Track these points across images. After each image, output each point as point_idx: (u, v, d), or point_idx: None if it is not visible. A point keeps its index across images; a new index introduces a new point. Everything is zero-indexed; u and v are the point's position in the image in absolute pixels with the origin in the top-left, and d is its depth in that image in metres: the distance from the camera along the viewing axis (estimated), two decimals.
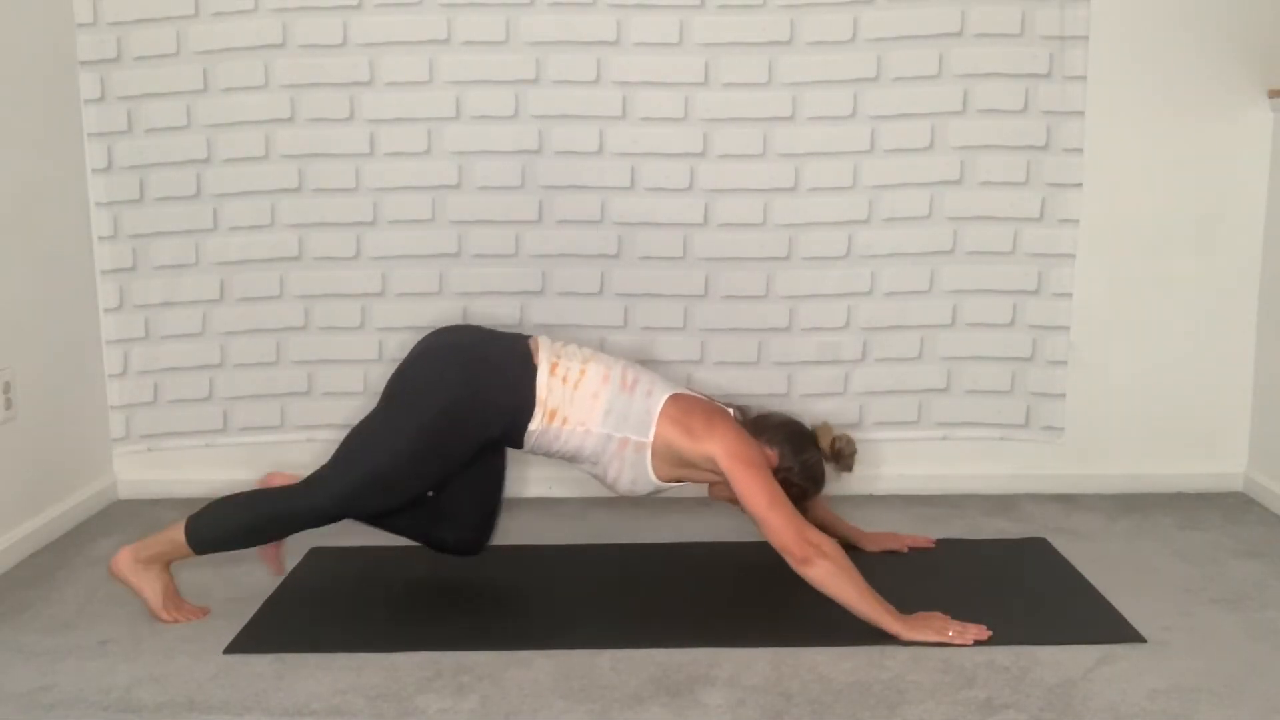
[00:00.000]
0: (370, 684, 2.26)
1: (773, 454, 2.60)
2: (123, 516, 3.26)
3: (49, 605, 2.65)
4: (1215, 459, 3.41)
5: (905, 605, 2.45)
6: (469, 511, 2.71)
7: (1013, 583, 2.76)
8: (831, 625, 2.48)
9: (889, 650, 2.37)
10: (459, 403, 2.51)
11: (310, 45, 3.20)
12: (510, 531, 2.87)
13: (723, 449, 2.48)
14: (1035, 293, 3.31)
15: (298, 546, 3.01)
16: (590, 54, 3.19)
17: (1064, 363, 3.34)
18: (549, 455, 2.61)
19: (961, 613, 2.48)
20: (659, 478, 2.57)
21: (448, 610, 2.62)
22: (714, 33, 3.18)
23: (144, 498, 3.39)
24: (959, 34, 3.18)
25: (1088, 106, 3.22)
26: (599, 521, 3.21)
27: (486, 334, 2.68)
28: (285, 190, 3.28)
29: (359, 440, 2.55)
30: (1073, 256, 3.29)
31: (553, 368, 2.55)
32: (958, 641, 2.40)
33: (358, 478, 2.50)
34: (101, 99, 3.23)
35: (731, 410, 2.66)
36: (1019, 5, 3.16)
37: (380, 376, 3.34)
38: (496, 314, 3.32)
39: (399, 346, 3.35)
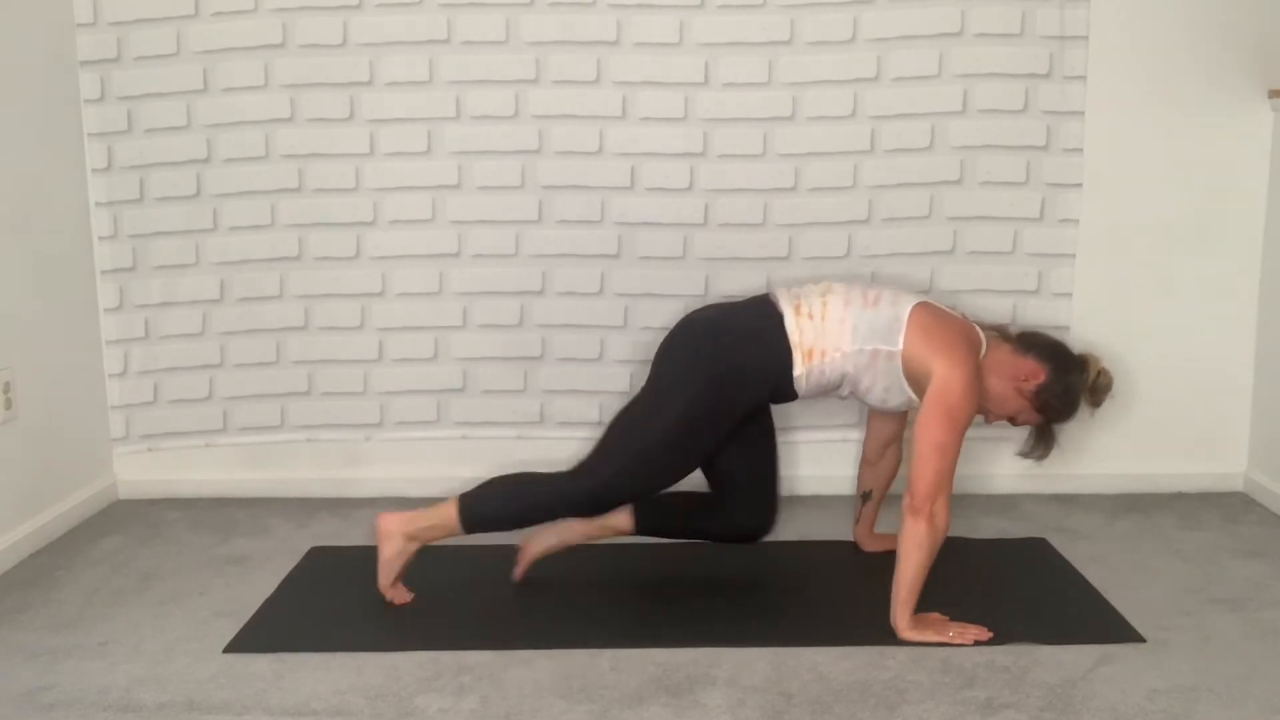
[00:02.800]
0: (370, 684, 2.26)
1: (1039, 369, 2.57)
2: (123, 516, 3.26)
3: (49, 605, 2.65)
4: (1215, 459, 3.41)
5: None
6: (751, 490, 2.70)
7: (1013, 583, 2.76)
8: (831, 625, 2.49)
9: (889, 650, 2.37)
10: (721, 371, 2.54)
11: (310, 45, 3.20)
12: (510, 531, 2.86)
13: (943, 377, 2.46)
14: (1035, 293, 3.31)
15: (297, 547, 3.01)
16: (590, 54, 3.19)
17: None
18: (826, 394, 2.63)
19: (961, 613, 2.48)
20: (913, 389, 2.55)
21: (448, 610, 2.62)
22: (714, 33, 3.18)
23: (144, 498, 3.39)
24: (959, 34, 3.18)
25: (1088, 106, 3.22)
26: None
27: (730, 304, 2.73)
28: (285, 190, 3.28)
29: (624, 424, 2.58)
30: (1073, 256, 3.29)
31: (796, 309, 2.58)
32: (958, 641, 2.40)
33: (626, 460, 2.53)
34: (101, 99, 3.23)
35: (983, 334, 2.63)
36: (1019, 5, 3.16)
37: (380, 376, 3.37)
38: (497, 314, 3.32)
39: (399, 346, 3.36)
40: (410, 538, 2.59)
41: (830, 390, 2.63)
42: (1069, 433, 3.34)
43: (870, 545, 2.92)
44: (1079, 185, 3.25)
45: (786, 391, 2.59)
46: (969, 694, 2.21)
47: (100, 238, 3.29)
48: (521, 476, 2.63)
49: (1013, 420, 2.67)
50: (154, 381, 3.38)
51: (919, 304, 2.57)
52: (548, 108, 3.22)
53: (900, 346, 2.52)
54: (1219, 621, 2.53)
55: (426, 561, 2.82)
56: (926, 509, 2.40)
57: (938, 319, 2.56)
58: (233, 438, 3.42)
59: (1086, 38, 3.18)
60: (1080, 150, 3.23)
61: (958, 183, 3.26)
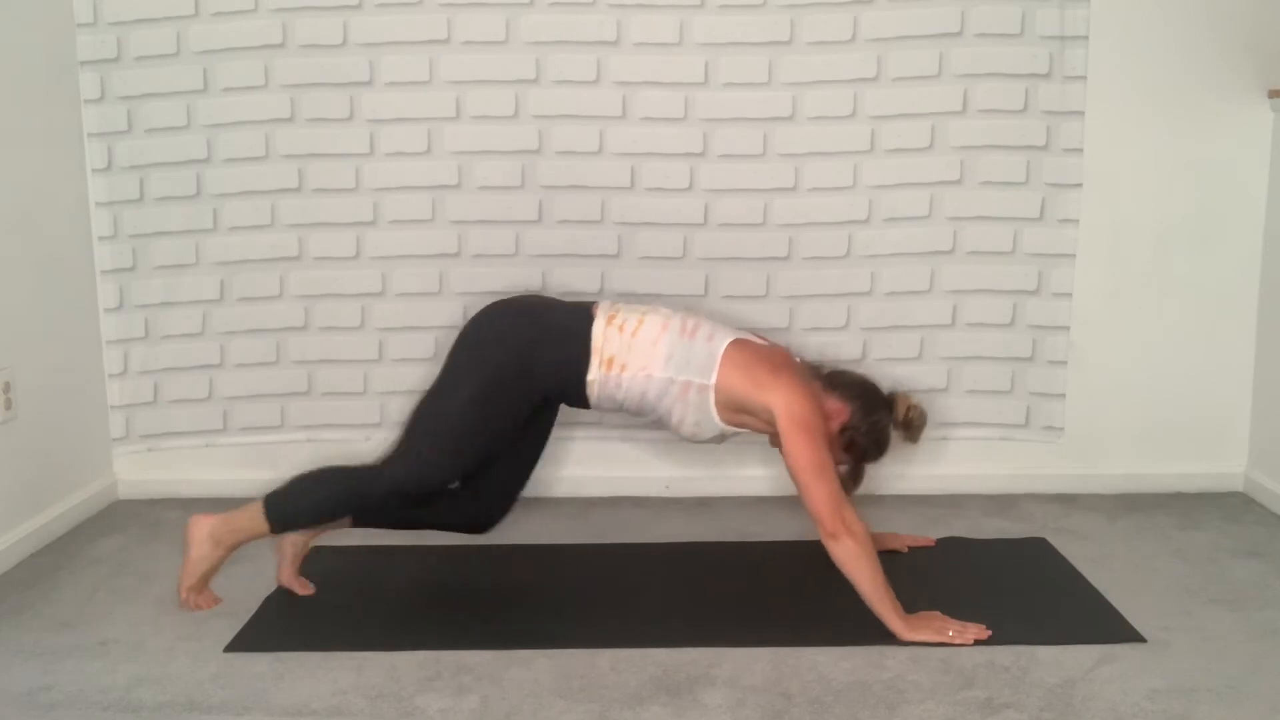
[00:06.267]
0: (370, 684, 2.26)
1: (843, 409, 2.59)
2: (123, 516, 3.26)
3: (49, 605, 2.65)
4: (1215, 459, 3.41)
5: (905, 605, 2.45)
6: (494, 485, 2.69)
7: (1013, 583, 2.76)
8: (831, 625, 2.48)
9: (889, 650, 2.37)
10: (515, 356, 2.54)
11: (310, 45, 3.20)
12: (511, 531, 2.87)
13: (783, 404, 2.48)
14: (1035, 293, 3.31)
15: None
16: (590, 54, 3.19)
17: (1064, 363, 3.34)
18: (619, 409, 2.63)
19: (961, 613, 2.48)
20: (723, 421, 2.56)
21: (448, 610, 2.62)
22: (714, 33, 3.18)
23: (144, 498, 3.39)
24: (959, 34, 3.18)
25: (1088, 106, 3.22)
26: (599, 521, 3.21)
27: (547, 300, 2.72)
28: (285, 190, 3.28)
29: (422, 409, 2.58)
30: (1073, 256, 3.29)
31: (609, 319, 2.58)
32: (958, 641, 2.40)
33: (425, 444, 2.52)
34: (101, 99, 3.23)
35: (799, 361, 2.65)
36: (1019, 5, 3.16)
37: (380, 376, 3.37)
38: None
39: (399, 346, 3.36)
40: (217, 541, 2.58)
41: (629, 410, 2.62)
42: (1070, 432, 3.37)
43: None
44: (1079, 185, 3.25)
45: (578, 395, 2.59)
46: (969, 694, 2.21)
47: (100, 238, 3.29)
48: (324, 471, 2.60)
49: None
50: (154, 381, 3.38)
51: (734, 340, 2.58)
52: (548, 108, 3.22)
53: (714, 380, 2.53)
54: (1219, 621, 2.53)
55: (426, 561, 2.82)
56: (840, 527, 2.41)
57: (753, 354, 2.56)
58: (233, 438, 3.42)
59: (1086, 38, 3.18)
60: (1080, 150, 3.23)
61: (958, 183, 3.26)
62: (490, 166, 3.26)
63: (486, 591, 2.72)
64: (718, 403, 2.54)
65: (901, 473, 3.37)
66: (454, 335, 3.31)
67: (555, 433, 3.36)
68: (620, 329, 2.56)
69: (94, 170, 3.27)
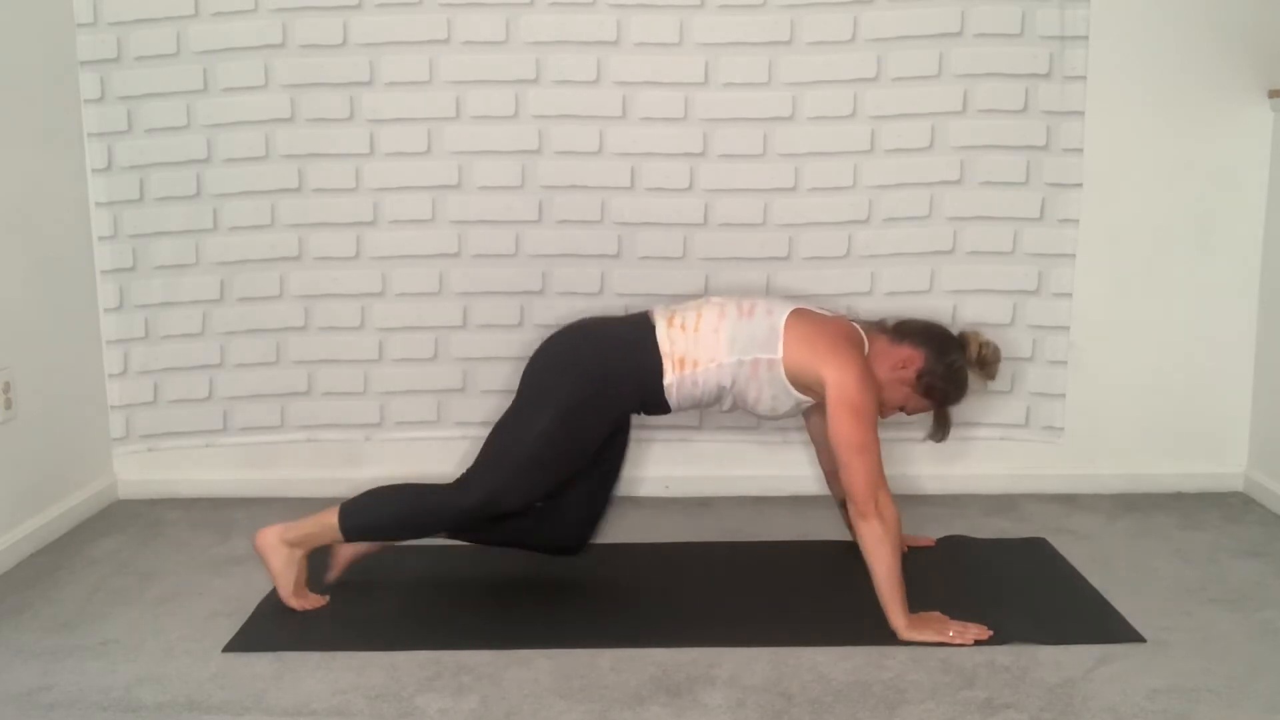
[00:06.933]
0: (370, 684, 2.26)
1: (916, 356, 2.60)
2: (123, 516, 3.26)
3: (49, 605, 2.65)
4: (1215, 459, 3.41)
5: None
6: (578, 509, 2.70)
7: (1013, 583, 2.76)
8: (831, 625, 2.49)
9: (889, 650, 2.37)
10: (591, 377, 2.56)
11: (310, 45, 3.20)
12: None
13: (836, 381, 2.48)
14: (1035, 293, 3.31)
15: None
16: (590, 54, 3.19)
17: (1064, 363, 3.34)
18: (700, 406, 2.64)
19: (961, 613, 2.48)
20: (800, 392, 2.57)
21: (448, 610, 2.62)
22: (714, 33, 3.18)
23: (144, 498, 3.39)
24: (959, 34, 3.18)
25: (1088, 106, 3.21)
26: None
27: (605, 317, 2.76)
28: (285, 190, 3.28)
29: (500, 434, 2.59)
30: (1073, 256, 3.29)
31: (669, 320, 2.61)
32: (958, 641, 2.40)
33: (504, 470, 2.53)
34: (101, 99, 3.23)
35: (860, 327, 2.65)
36: (1019, 5, 3.16)
37: (380, 376, 3.37)
38: (497, 314, 3.32)
39: (399, 346, 3.35)
40: (293, 545, 2.58)
41: (707, 403, 2.64)
42: (1070, 432, 3.37)
43: None
44: (1079, 185, 3.25)
45: (658, 402, 2.60)
46: (969, 694, 2.21)
47: (100, 238, 3.29)
48: (404, 487, 2.63)
49: (905, 410, 2.69)
50: (154, 381, 3.38)
51: (794, 310, 2.60)
52: (548, 108, 3.22)
53: (780, 354, 2.54)
54: (1219, 621, 2.53)
55: (426, 561, 2.82)
56: (871, 508, 2.42)
57: (814, 324, 2.58)
58: (233, 438, 3.42)
59: (1086, 38, 3.18)
60: (1080, 150, 3.23)
61: (958, 183, 3.26)
62: (490, 166, 3.26)
63: (486, 591, 2.72)
64: (790, 375, 2.55)
65: (903, 473, 3.38)
66: (454, 335, 3.34)
67: None
68: (682, 328, 2.58)
69: (94, 170, 3.26)
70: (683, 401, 2.61)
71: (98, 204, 3.28)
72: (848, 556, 2.91)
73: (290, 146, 3.25)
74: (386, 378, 3.38)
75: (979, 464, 3.41)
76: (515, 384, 3.34)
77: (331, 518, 2.56)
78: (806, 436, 3.36)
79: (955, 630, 2.42)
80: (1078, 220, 3.27)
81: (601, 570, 2.85)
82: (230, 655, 2.39)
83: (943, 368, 2.61)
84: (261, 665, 2.34)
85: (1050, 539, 3.03)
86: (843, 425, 2.46)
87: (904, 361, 2.61)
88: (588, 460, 2.61)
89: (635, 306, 3.30)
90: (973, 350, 2.65)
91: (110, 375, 3.37)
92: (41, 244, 3.08)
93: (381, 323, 3.35)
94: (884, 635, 2.42)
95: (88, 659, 2.38)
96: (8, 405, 2.92)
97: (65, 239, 3.20)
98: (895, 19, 3.17)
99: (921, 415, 2.76)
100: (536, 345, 3.33)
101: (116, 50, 3.21)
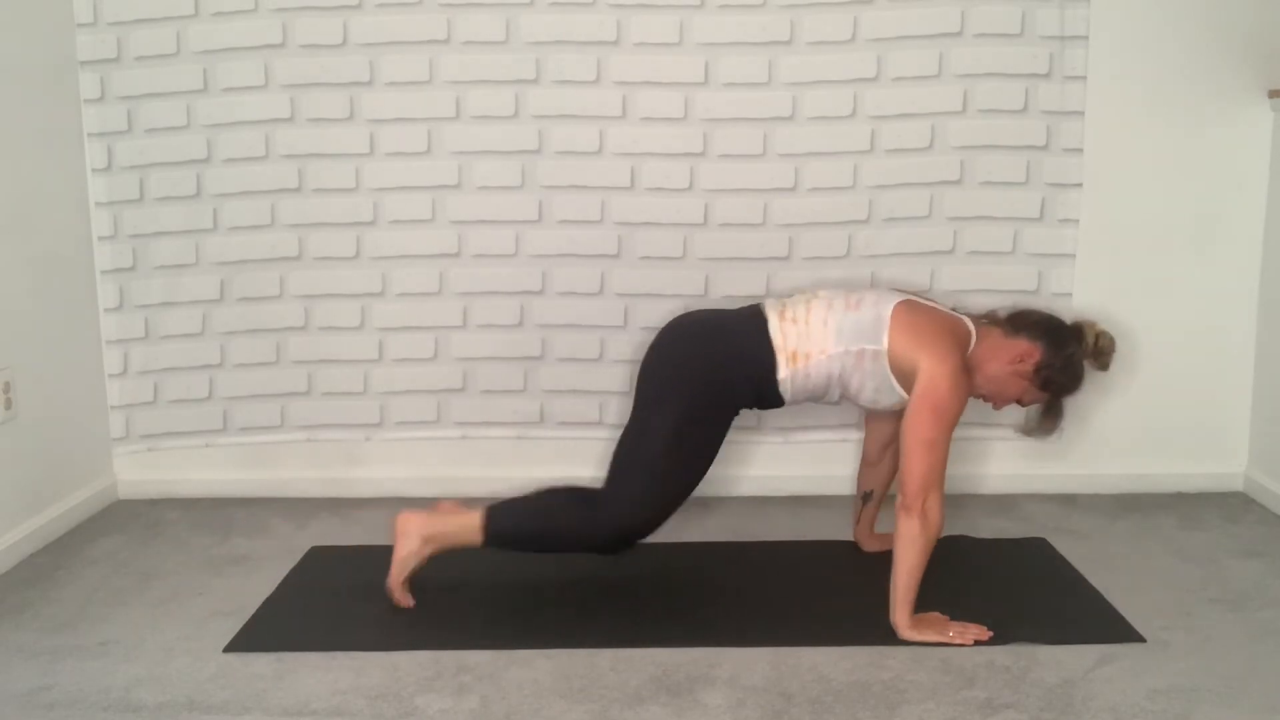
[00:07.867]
0: (370, 684, 2.26)
1: (1033, 349, 2.56)
2: (123, 516, 3.26)
3: (49, 605, 2.65)
4: (1215, 459, 3.41)
5: None
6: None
7: (1013, 583, 2.76)
8: (831, 625, 2.48)
9: (889, 650, 2.37)
10: (708, 377, 2.56)
11: (310, 45, 3.20)
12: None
13: (928, 375, 2.46)
14: (1035, 293, 3.31)
15: (297, 547, 3.01)
16: (590, 54, 3.19)
17: None
18: (815, 399, 2.64)
19: (961, 613, 2.48)
20: (903, 387, 2.54)
21: (448, 610, 2.62)
22: (714, 33, 3.18)
23: (144, 498, 3.39)
24: (959, 34, 3.18)
25: (1088, 106, 3.21)
26: None
27: (716, 310, 2.74)
28: (285, 190, 3.28)
29: (625, 448, 2.57)
30: (1073, 256, 3.29)
31: (781, 315, 2.60)
32: (958, 641, 2.40)
33: (639, 484, 2.52)
34: (101, 99, 3.23)
35: (971, 321, 2.62)
36: (1019, 5, 3.16)
37: (380, 376, 3.37)
38: (497, 314, 3.32)
39: (399, 346, 3.35)
40: (427, 540, 2.58)
41: (818, 395, 2.63)
42: (1070, 432, 3.36)
43: (870, 545, 2.92)
44: (1079, 185, 3.25)
45: (773, 396, 2.60)
46: (969, 694, 2.21)
47: (100, 238, 3.29)
48: (552, 504, 2.60)
49: (1020, 402, 2.66)
50: (154, 381, 3.38)
51: (902, 302, 2.58)
52: (548, 108, 3.22)
53: (885, 345, 2.52)
54: (1219, 621, 2.53)
55: (426, 561, 2.82)
56: (918, 506, 2.40)
57: (922, 315, 2.56)
58: (233, 438, 3.42)
59: (1086, 38, 3.18)
60: (1080, 150, 3.23)
61: (958, 183, 3.26)
62: (490, 166, 3.26)
63: (486, 591, 2.71)
64: (893, 367, 2.54)
65: None
66: (454, 335, 3.34)
67: (553, 432, 3.39)
68: (794, 321, 2.58)
69: (94, 170, 3.26)
70: (797, 394, 2.60)
71: (98, 204, 3.28)
72: (848, 556, 2.92)
73: (290, 146, 3.25)
74: (386, 378, 3.38)
75: (979, 464, 3.40)
76: (516, 383, 3.37)
77: (475, 519, 2.56)
78: (806, 436, 3.37)
79: (955, 630, 2.42)
80: (1078, 220, 3.27)
81: (601, 570, 2.84)
82: (230, 655, 2.39)
83: (1061, 360, 2.57)
84: (261, 665, 2.34)
85: (1050, 539, 3.03)
86: (920, 418, 2.43)
87: (1022, 355, 2.57)
88: (714, 459, 2.59)
89: (635, 306, 3.31)
90: (1089, 340, 2.61)
91: (110, 375, 3.37)
92: (42, 244, 3.08)
93: (381, 323, 3.35)
94: (884, 635, 2.42)
95: (88, 659, 2.38)
96: (8, 405, 2.92)
97: (65, 239, 3.20)
98: (895, 19, 3.17)
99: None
100: (536, 345, 3.35)
101: (116, 50, 3.21)
